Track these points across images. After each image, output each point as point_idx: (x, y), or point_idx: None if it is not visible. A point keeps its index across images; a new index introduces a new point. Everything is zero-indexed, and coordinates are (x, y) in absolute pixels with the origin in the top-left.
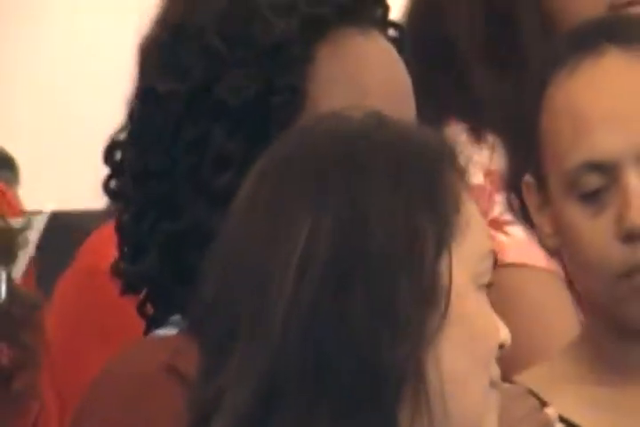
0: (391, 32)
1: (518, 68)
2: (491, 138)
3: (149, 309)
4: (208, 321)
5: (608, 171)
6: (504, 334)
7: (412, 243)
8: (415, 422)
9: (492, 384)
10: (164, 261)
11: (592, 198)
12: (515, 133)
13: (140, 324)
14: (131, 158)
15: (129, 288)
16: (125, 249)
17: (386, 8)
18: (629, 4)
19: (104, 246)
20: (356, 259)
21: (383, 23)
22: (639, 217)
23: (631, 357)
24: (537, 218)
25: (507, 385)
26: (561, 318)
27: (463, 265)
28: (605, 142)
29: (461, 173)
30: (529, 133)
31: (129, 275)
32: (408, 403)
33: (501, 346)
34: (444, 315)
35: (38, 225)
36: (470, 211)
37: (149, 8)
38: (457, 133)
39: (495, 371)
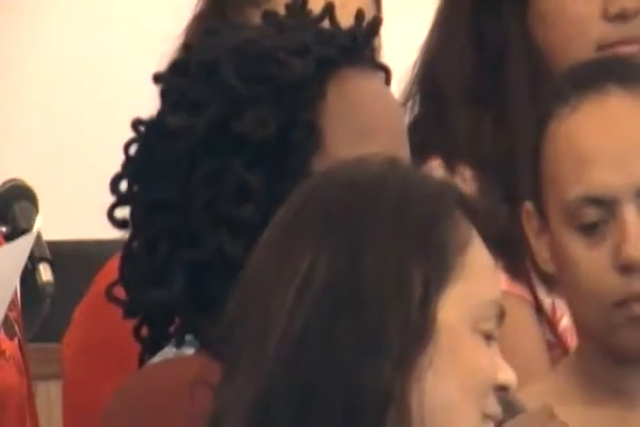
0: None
1: (498, 108)
2: (463, 170)
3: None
4: (225, 347)
5: (607, 205)
6: (506, 376)
7: (400, 282)
8: None
9: (486, 417)
10: (188, 287)
11: (590, 230)
12: (492, 167)
13: None
14: (139, 190)
15: (132, 312)
16: (136, 276)
17: (372, 50)
18: (616, 44)
19: None
20: (347, 294)
21: (373, 64)
22: (635, 250)
23: (624, 381)
24: (535, 243)
25: (536, 407)
26: (526, 339)
27: (459, 306)
28: (605, 178)
29: (474, 219)
30: (530, 163)
31: (144, 300)
32: None
33: (503, 388)
34: (426, 348)
35: (24, 247)
36: (478, 256)
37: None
38: (434, 168)
39: (492, 408)
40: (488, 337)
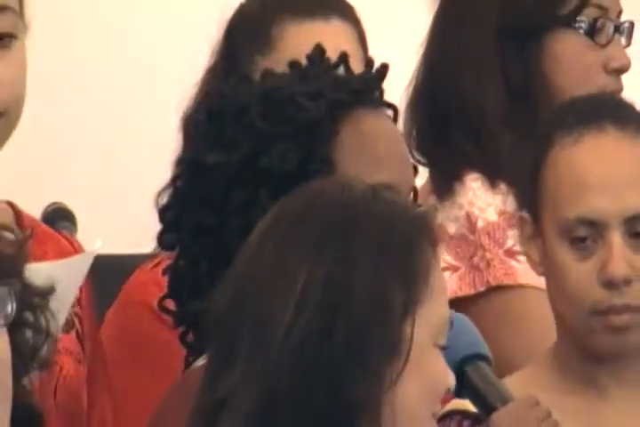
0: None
1: (531, 129)
2: (503, 185)
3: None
4: (216, 335)
5: (597, 227)
6: (451, 380)
7: (384, 305)
8: None
9: (434, 416)
10: None
11: (581, 245)
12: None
13: (168, 345)
14: (184, 217)
15: (182, 320)
16: (181, 288)
17: (382, 91)
18: (618, 71)
19: (147, 283)
20: (339, 312)
21: (381, 103)
22: (618, 269)
23: (597, 375)
24: (526, 246)
25: (523, 396)
26: (554, 325)
27: (424, 326)
28: (599, 204)
29: (435, 247)
30: (529, 179)
31: (187, 309)
32: None
33: (448, 390)
34: (405, 363)
35: (86, 261)
36: (436, 282)
37: None
38: (472, 180)
39: (439, 408)
40: (441, 348)
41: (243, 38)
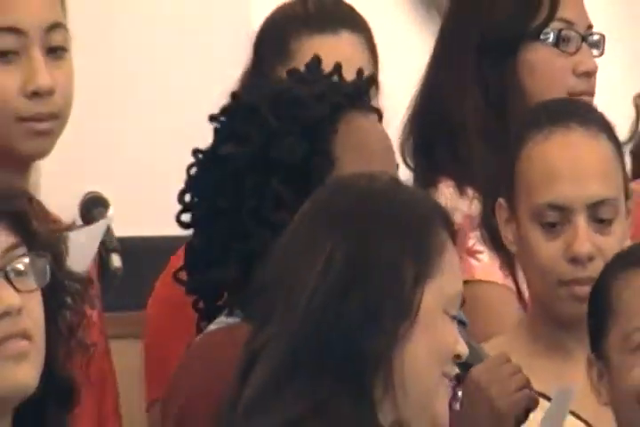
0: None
1: (504, 136)
2: (470, 192)
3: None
4: (262, 298)
5: (564, 211)
6: (461, 348)
7: (397, 274)
8: (385, 396)
9: (445, 375)
10: (239, 271)
11: (550, 227)
12: (492, 190)
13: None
14: (200, 200)
15: (192, 290)
16: (197, 263)
17: (369, 97)
18: (580, 94)
19: None
20: (357, 279)
21: (370, 107)
22: (582, 248)
23: (563, 340)
24: (503, 229)
25: (495, 354)
26: (509, 316)
27: (434, 296)
28: (566, 192)
29: (453, 231)
30: (507, 172)
31: (201, 280)
32: (381, 382)
33: (458, 357)
34: (412, 324)
35: (101, 229)
36: (450, 260)
37: None
38: (445, 187)
39: (450, 369)
40: (452, 318)
41: (267, 50)
